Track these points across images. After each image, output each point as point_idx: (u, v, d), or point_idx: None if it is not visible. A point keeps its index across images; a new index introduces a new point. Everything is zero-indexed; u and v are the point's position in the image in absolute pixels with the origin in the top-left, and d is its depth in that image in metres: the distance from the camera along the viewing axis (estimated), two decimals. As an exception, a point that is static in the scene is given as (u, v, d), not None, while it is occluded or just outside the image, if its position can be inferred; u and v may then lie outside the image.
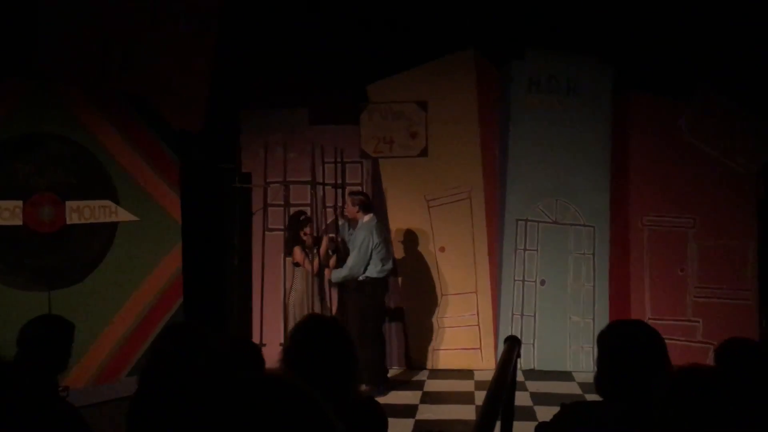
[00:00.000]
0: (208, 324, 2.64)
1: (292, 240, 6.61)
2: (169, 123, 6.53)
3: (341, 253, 6.81)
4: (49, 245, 5.74)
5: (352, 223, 6.77)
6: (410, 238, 7.31)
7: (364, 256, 6.39)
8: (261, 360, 2.41)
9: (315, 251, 6.57)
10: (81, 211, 5.95)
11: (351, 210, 6.58)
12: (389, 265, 6.67)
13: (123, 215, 6.21)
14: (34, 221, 5.67)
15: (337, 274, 6.53)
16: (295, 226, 6.60)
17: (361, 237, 6.42)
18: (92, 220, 6.01)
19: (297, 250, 6.55)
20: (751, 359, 2.44)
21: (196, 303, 6.72)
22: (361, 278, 6.46)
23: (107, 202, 6.12)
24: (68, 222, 5.86)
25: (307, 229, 6.55)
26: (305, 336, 2.26)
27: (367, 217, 6.54)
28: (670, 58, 6.84)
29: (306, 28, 7.01)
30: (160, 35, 6.16)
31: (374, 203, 6.99)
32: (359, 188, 7.23)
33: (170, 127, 6.55)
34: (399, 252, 7.25)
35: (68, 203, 5.86)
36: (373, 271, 6.45)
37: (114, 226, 6.17)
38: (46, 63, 5.66)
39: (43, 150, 5.74)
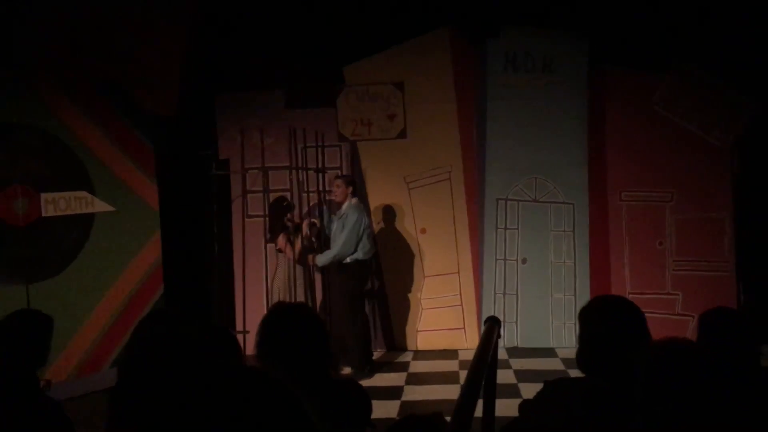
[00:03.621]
0: (191, 312, 2.62)
1: (276, 226, 6.58)
2: (142, 109, 6.44)
3: (323, 237, 6.79)
4: (25, 238, 5.66)
5: (333, 208, 6.75)
6: (391, 220, 7.30)
7: (355, 237, 6.39)
8: (238, 349, 2.42)
9: (297, 237, 6.54)
10: (56, 203, 5.86)
11: (344, 192, 6.52)
12: (374, 248, 6.73)
13: (99, 206, 6.13)
14: (9, 214, 5.58)
15: (325, 257, 6.49)
16: (277, 212, 6.57)
17: (354, 218, 6.41)
18: (68, 212, 5.93)
19: (281, 237, 6.53)
20: (734, 328, 2.47)
21: (178, 292, 6.68)
22: (348, 260, 6.45)
23: (83, 193, 6.04)
24: (44, 214, 5.77)
25: (290, 215, 6.52)
26: (274, 326, 2.27)
27: (354, 200, 6.54)
28: (645, 32, 6.84)
29: (280, 10, 6.91)
30: (132, 19, 6.05)
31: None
32: (338, 172, 7.20)
33: (144, 114, 6.46)
34: (380, 235, 7.24)
35: (43, 195, 5.77)
36: (361, 252, 6.45)
37: (91, 216, 6.09)
38: (17, 50, 5.54)
39: (15, 141, 5.63)
